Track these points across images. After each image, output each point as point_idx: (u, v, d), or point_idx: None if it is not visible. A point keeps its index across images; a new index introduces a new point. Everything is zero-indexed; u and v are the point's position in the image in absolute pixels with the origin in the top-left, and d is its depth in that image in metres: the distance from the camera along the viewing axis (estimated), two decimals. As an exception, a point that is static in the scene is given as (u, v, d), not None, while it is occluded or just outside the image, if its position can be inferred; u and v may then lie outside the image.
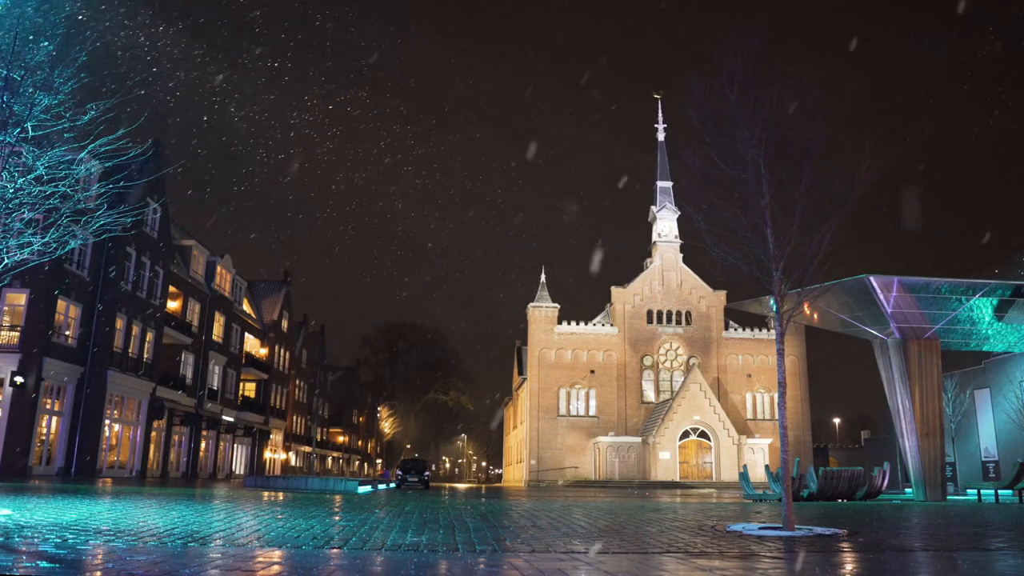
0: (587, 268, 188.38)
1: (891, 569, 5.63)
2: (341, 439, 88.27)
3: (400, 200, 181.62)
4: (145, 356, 36.60)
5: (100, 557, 5.23)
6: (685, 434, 56.24)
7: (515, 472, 76.07)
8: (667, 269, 64.60)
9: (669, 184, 64.60)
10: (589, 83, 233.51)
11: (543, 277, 64.49)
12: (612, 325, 63.48)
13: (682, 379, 59.95)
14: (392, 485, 35.98)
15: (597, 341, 63.04)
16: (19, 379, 27.39)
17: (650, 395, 62.75)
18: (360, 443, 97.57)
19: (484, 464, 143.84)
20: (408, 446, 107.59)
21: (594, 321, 64.53)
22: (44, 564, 4.80)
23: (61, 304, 30.40)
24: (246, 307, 53.76)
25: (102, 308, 32.69)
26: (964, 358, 40.40)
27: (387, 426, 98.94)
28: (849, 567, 5.75)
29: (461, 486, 51.58)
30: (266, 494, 18.04)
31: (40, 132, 9.45)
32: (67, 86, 9.44)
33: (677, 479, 53.68)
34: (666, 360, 63.35)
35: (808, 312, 26.35)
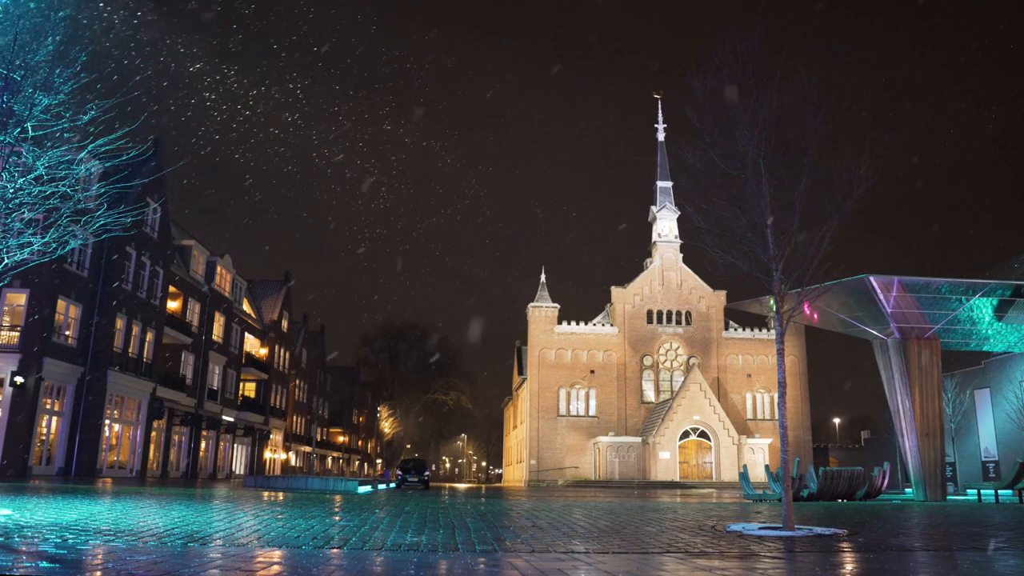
0: (587, 268, 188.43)
1: (891, 569, 5.63)
2: (341, 439, 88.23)
3: (401, 200, 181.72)
4: (145, 356, 36.59)
5: (100, 557, 5.23)
6: (685, 434, 56.25)
7: (515, 472, 76.06)
8: (667, 269, 64.61)
9: (669, 184, 64.62)
10: (588, 82, 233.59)
11: (543, 277, 64.59)
12: (612, 325, 63.48)
13: (682, 379, 59.96)
14: (392, 485, 35.98)
15: (597, 341, 63.05)
16: (19, 379, 27.39)
17: (650, 395, 62.76)
18: (360, 443, 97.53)
19: (484, 464, 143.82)
20: (408, 446, 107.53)
21: (594, 321, 64.53)
22: (44, 564, 4.80)
23: (61, 304, 30.39)
24: (246, 307, 53.75)
25: (102, 308, 32.69)
26: (964, 358, 40.39)
27: (387, 426, 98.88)
28: (849, 567, 5.74)
29: (461, 486, 51.58)
30: (266, 494, 18.04)
31: (40, 132, 9.44)
32: (67, 86, 9.43)
33: (677, 479, 53.68)
34: (666, 360, 63.36)
35: (808, 312, 26.34)
